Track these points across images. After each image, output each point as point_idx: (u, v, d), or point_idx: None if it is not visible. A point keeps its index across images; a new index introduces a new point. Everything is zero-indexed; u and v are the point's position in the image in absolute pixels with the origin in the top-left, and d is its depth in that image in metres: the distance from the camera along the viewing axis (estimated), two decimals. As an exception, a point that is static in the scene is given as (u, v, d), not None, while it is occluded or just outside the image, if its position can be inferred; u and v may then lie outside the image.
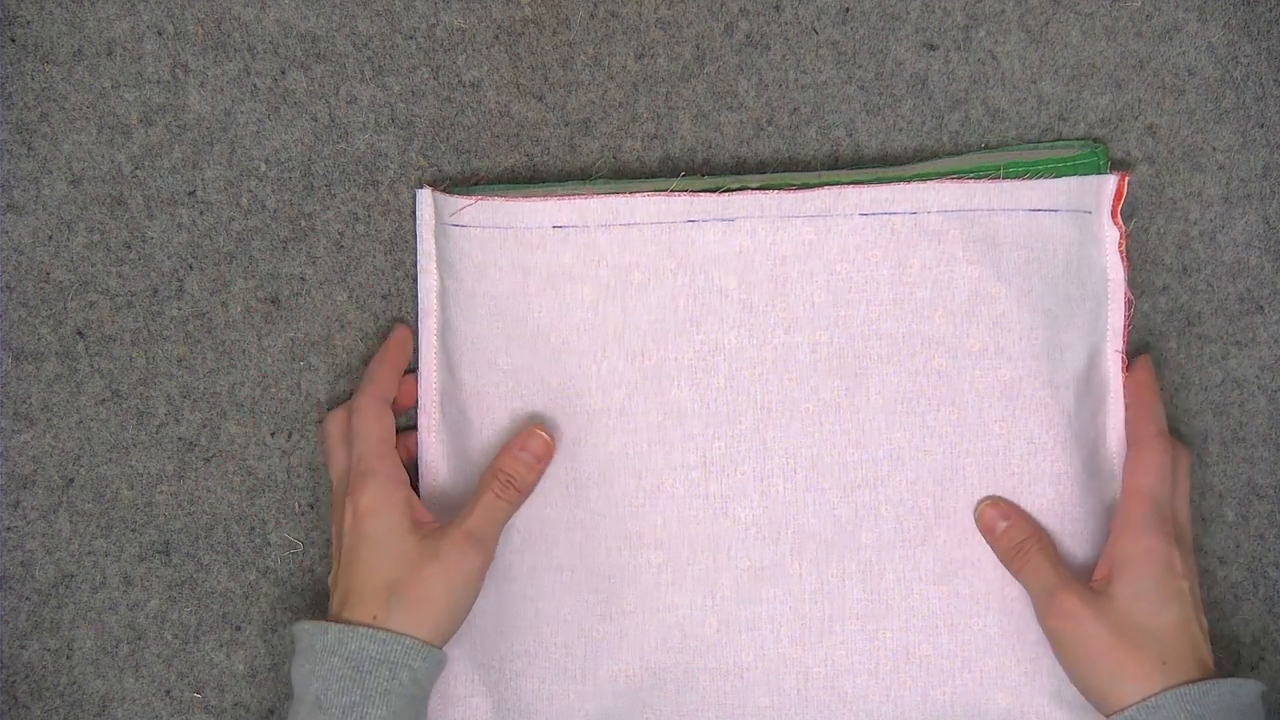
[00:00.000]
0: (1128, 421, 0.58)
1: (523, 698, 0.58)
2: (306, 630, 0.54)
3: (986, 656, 0.58)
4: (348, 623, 0.53)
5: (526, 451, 0.57)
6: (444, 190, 0.58)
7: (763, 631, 0.58)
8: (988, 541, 0.57)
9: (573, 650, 0.59)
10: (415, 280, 0.60)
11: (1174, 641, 0.52)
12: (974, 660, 0.58)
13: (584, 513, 0.58)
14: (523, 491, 0.57)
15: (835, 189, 0.57)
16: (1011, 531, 0.57)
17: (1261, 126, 0.60)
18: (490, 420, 0.58)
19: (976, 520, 0.58)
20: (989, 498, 0.58)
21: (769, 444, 0.58)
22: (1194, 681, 0.51)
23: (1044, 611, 0.55)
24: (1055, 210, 0.57)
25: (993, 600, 0.58)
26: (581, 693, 0.59)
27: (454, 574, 0.55)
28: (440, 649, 0.54)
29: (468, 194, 0.58)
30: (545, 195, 0.57)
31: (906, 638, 0.58)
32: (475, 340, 0.58)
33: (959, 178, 0.57)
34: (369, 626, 0.53)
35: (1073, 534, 0.58)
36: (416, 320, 0.60)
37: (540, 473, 0.58)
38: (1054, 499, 0.57)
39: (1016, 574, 0.56)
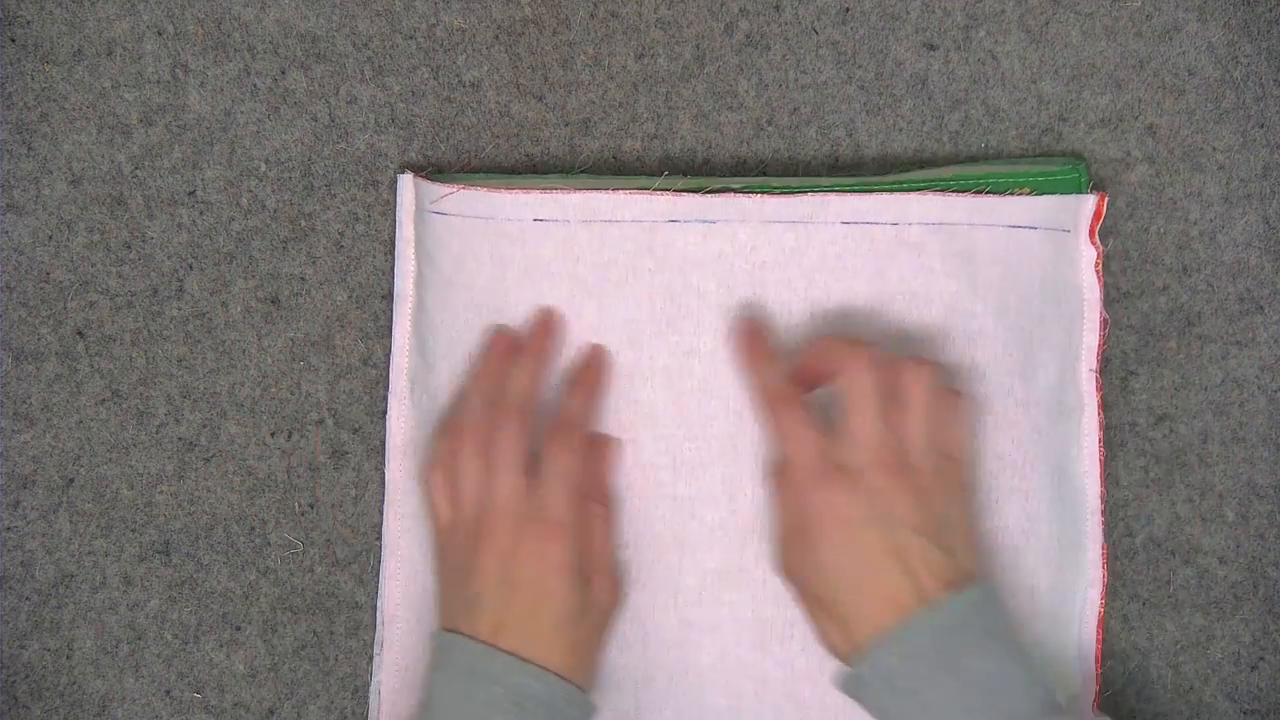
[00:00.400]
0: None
1: None
2: (467, 648, 0.53)
3: None
4: (509, 654, 0.52)
5: (606, 463, 0.58)
6: (427, 177, 0.59)
7: (724, 634, 0.58)
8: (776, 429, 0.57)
9: None
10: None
11: (863, 589, 0.51)
12: None
13: None
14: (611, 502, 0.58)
15: (818, 195, 0.57)
16: (777, 453, 0.56)
17: (1261, 126, 0.60)
18: None
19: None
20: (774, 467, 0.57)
21: (739, 448, 0.58)
22: (900, 622, 0.50)
23: (777, 547, 0.56)
24: (1034, 227, 0.57)
25: None
26: None
27: (610, 622, 0.56)
28: (590, 698, 0.54)
29: (452, 182, 0.58)
30: (528, 188, 0.57)
31: None
32: (451, 329, 0.58)
33: (941, 190, 0.57)
34: (536, 665, 0.52)
35: (1040, 550, 0.58)
36: (392, 304, 0.60)
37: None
38: (1021, 515, 0.57)
39: (774, 491, 0.56)
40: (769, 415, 0.55)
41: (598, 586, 0.55)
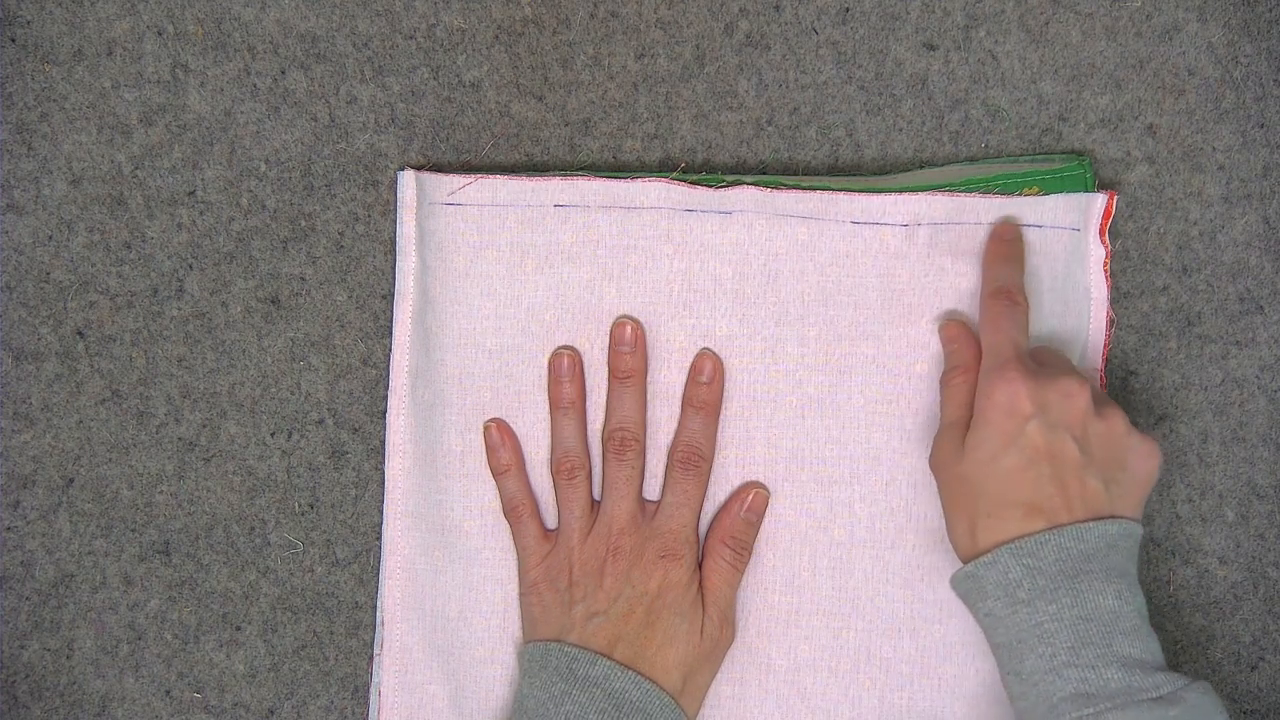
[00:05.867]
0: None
1: (483, 685, 0.59)
2: (567, 653, 0.54)
3: (946, 664, 0.58)
4: (616, 661, 0.54)
5: (752, 511, 0.58)
6: (432, 172, 0.59)
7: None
8: (949, 350, 0.56)
9: None
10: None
11: (1009, 490, 0.50)
12: (933, 667, 0.58)
13: None
14: (750, 552, 0.58)
15: (827, 194, 0.58)
16: (953, 356, 0.56)
17: (1261, 126, 0.60)
18: (472, 401, 0.59)
19: (940, 331, 0.57)
20: (954, 315, 0.57)
21: (752, 432, 0.58)
22: (1037, 533, 0.49)
23: (931, 451, 0.55)
24: (1042, 226, 0.58)
25: (955, 608, 0.58)
26: None
27: (720, 660, 0.57)
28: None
29: (466, 174, 0.58)
30: (548, 175, 0.58)
31: (869, 639, 0.58)
32: (462, 321, 0.58)
33: (950, 191, 0.57)
34: (638, 674, 0.53)
35: None
36: (392, 304, 0.60)
37: (759, 529, 0.58)
38: None
39: (942, 397, 0.56)
40: (984, 308, 0.55)
41: (716, 620, 0.56)
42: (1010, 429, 0.50)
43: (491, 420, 0.58)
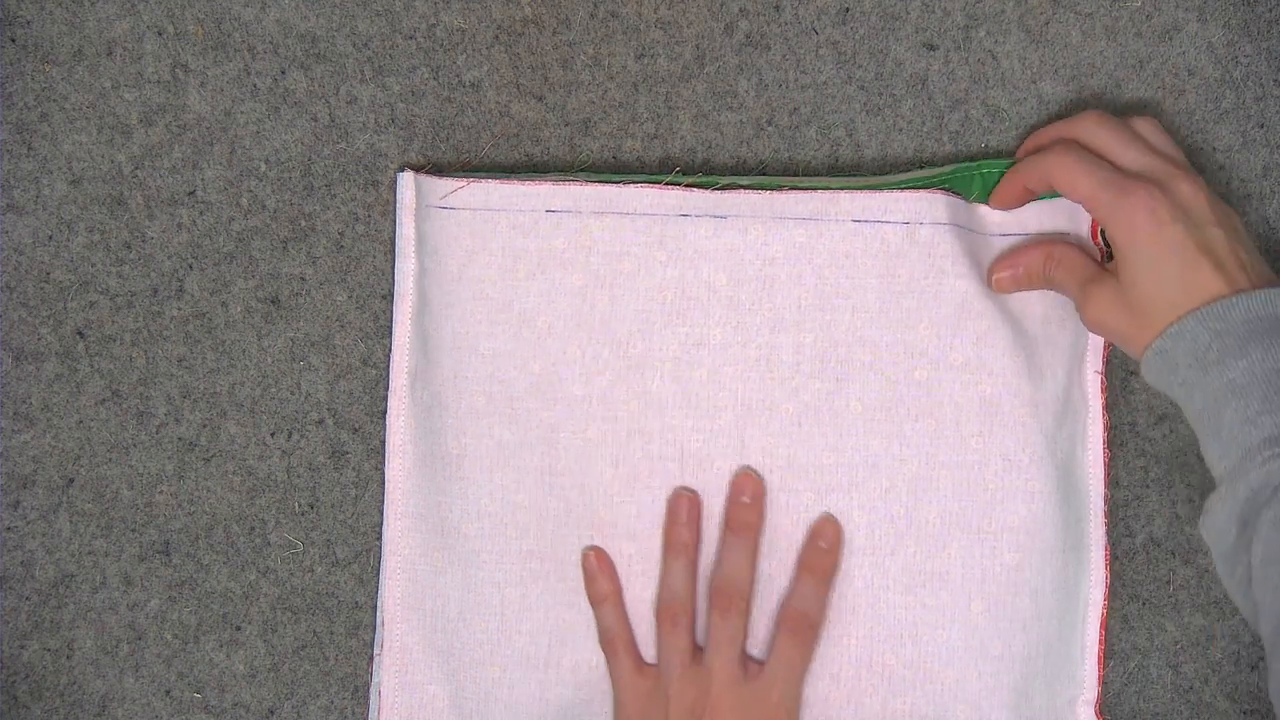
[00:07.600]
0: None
1: (483, 685, 0.59)
2: None
3: (948, 669, 0.58)
4: None
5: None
6: (431, 173, 0.59)
7: None
8: (1030, 273, 0.57)
9: (537, 639, 0.59)
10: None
11: (1182, 281, 0.51)
12: (935, 672, 0.58)
13: (557, 500, 0.58)
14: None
15: (829, 193, 0.57)
16: (1032, 254, 0.56)
17: (1261, 126, 0.60)
18: (467, 404, 0.58)
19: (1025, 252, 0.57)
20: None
21: (747, 441, 0.58)
22: (1216, 300, 0.50)
23: (1080, 308, 0.55)
24: (1041, 228, 0.58)
25: (957, 613, 0.58)
26: (544, 682, 0.59)
27: None
28: None
29: (459, 178, 0.58)
30: (540, 180, 0.58)
31: (870, 646, 0.58)
32: (456, 324, 0.58)
33: (950, 190, 0.57)
34: None
35: (1044, 552, 0.58)
36: (392, 304, 0.60)
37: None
38: (1027, 517, 0.57)
39: (1057, 285, 0.56)
40: (1052, 162, 0.55)
41: None
42: (1156, 234, 0.51)
43: (590, 548, 0.58)
